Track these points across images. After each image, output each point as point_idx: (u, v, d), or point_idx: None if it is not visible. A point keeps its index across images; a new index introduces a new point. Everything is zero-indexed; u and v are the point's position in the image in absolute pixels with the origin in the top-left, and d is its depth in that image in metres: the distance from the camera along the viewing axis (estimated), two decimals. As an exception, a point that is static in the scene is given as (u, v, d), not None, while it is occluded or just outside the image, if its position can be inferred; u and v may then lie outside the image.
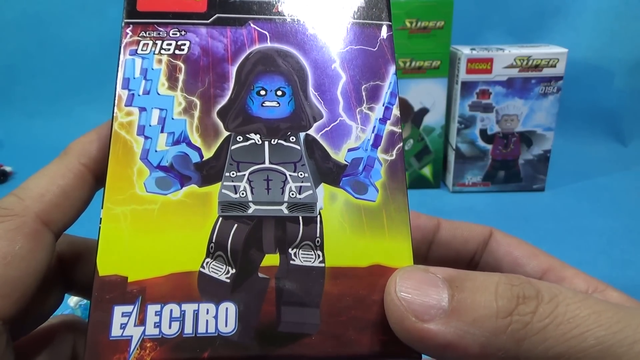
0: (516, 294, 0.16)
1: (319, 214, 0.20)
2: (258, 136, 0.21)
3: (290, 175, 0.20)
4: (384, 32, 0.23)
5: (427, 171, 0.79)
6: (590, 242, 0.61)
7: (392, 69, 0.22)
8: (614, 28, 0.93)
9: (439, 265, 0.26)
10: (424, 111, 0.75)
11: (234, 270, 0.19)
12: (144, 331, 0.18)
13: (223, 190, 0.20)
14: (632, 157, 0.90)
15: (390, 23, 0.23)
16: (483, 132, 0.74)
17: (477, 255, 0.25)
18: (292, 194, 0.20)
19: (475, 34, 0.95)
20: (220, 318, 0.18)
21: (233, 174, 0.20)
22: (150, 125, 0.21)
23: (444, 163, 0.79)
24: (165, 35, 0.22)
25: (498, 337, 0.16)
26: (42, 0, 0.96)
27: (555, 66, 0.70)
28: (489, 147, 0.75)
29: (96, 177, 0.20)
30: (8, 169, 0.83)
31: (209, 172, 0.20)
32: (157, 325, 0.18)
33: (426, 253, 0.25)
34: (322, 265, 0.19)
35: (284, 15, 0.23)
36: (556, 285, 0.17)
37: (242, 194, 0.20)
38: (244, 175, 0.20)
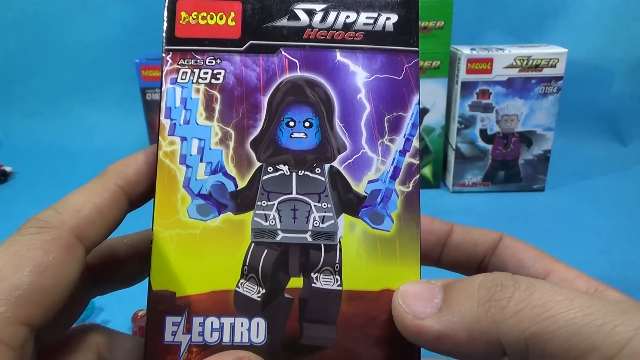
0: (495, 284, 0.18)
1: (339, 242, 0.22)
2: (287, 167, 0.23)
3: (314, 205, 0.22)
4: (410, 60, 0.23)
5: (427, 171, 0.79)
6: (590, 242, 0.61)
7: (416, 98, 0.23)
8: (614, 28, 0.93)
9: (450, 268, 0.27)
10: (424, 111, 0.75)
11: (264, 291, 0.21)
12: (190, 338, 0.21)
13: (255, 218, 0.22)
14: (632, 157, 0.90)
15: (417, 49, 0.23)
16: (483, 132, 0.74)
17: (487, 258, 0.26)
18: (316, 224, 0.22)
19: (475, 34, 0.95)
20: (252, 330, 0.21)
21: (264, 203, 0.22)
22: (190, 155, 0.22)
23: (444, 163, 0.79)
24: (202, 63, 0.23)
25: (480, 322, 0.18)
26: (42, 0, 0.96)
27: (555, 66, 0.70)
28: (489, 147, 0.75)
29: (130, 200, 0.21)
30: (8, 169, 0.83)
31: (243, 201, 0.22)
32: (201, 334, 0.21)
33: (439, 256, 0.27)
34: (340, 288, 0.22)
35: (313, 42, 0.23)
36: (535, 279, 0.18)
37: (272, 222, 0.22)
38: (274, 204, 0.22)
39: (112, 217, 0.21)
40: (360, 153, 0.23)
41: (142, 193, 0.22)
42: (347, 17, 0.23)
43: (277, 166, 0.23)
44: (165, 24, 0.23)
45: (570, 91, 0.89)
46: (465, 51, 0.70)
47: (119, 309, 0.48)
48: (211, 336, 0.21)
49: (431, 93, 0.73)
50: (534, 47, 0.72)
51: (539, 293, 0.17)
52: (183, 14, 0.23)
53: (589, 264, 0.56)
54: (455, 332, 0.18)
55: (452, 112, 0.75)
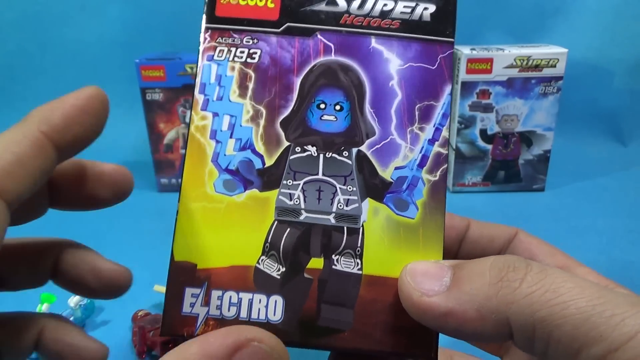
0: (507, 265, 0.18)
1: (362, 226, 0.22)
2: (314, 148, 0.23)
3: (340, 188, 0.22)
4: (445, 50, 0.23)
5: (427, 171, 0.79)
6: (590, 242, 0.61)
7: (448, 88, 0.23)
8: (614, 28, 0.93)
9: None
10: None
11: (284, 269, 0.22)
12: (208, 311, 0.21)
13: (280, 197, 0.22)
14: (632, 157, 0.90)
15: (453, 40, 0.23)
16: (483, 132, 0.74)
17: (502, 253, 0.26)
18: (340, 206, 0.22)
19: (475, 34, 0.95)
20: (270, 308, 0.21)
21: (290, 182, 0.22)
22: (221, 130, 0.23)
23: (444, 163, 0.79)
24: (239, 42, 0.23)
25: (490, 301, 0.18)
26: (42, 0, 0.96)
27: (555, 66, 0.70)
28: (489, 147, 0.75)
29: (58, 147, 0.19)
30: (8, 169, 0.83)
31: (269, 179, 0.22)
32: (219, 307, 0.21)
33: (457, 250, 0.27)
34: (360, 272, 0.22)
35: (350, 27, 0.23)
36: (547, 265, 0.18)
37: (296, 201, 0.22)
38: (299, 184, 0.22)
39: (37, 168, 0.18)
40: (388, 139, 0.23)
41: (72, 140, 0.19)
42: (385, 5, 0.24)
43: (305, 147, 0.23)
44: (206, 3, 0.23)
45: (570, 91, 0.89)
46: (465, 51, 0.70)
47: (119, 309, 0.48)
48: (229, 310, 0.21)
49: (431, 93, 0.73)
50: (534, 47, 0.72)
51: (551, 278, 0.17)
52: None
53: (589, 264, 0.56)
54: (464, 310, 0.18)
55: (452, 112, 0.75)
